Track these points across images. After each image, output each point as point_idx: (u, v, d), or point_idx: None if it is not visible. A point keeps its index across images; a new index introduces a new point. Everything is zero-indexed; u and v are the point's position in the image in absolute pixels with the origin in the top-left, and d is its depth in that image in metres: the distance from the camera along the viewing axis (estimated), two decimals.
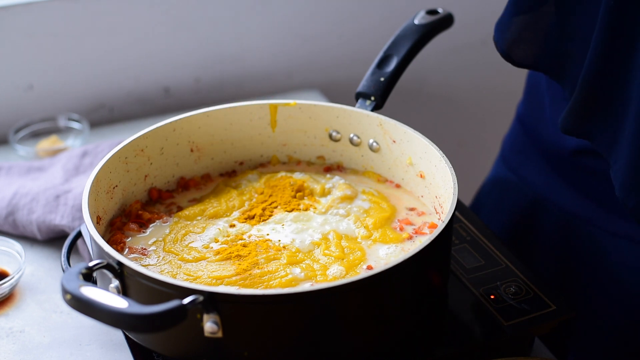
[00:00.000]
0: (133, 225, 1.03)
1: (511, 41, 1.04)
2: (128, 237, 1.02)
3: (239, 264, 0.95)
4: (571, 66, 1.01)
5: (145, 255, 0.99)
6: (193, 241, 1.00)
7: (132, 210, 1.06)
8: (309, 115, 1.13)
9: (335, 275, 0.94)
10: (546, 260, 1.24)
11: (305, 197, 1.08)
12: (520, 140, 1.29)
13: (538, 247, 1.26)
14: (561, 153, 1.18)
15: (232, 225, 1.03)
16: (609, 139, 0.97)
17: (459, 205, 1.14)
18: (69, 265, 1.01)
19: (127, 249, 1.00)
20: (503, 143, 1.36)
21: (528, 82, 1.27)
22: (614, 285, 1.15)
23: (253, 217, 1.04)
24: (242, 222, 1.04)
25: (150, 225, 1.04)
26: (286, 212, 1.04)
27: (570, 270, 1.21)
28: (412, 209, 1.07)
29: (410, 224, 1.04)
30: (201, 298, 0.81)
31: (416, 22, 1.18)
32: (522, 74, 1.93)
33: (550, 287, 1.01)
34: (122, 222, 1.04)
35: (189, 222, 1.04)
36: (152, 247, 1.00)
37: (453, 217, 0.92)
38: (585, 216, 1.17)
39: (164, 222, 1.05)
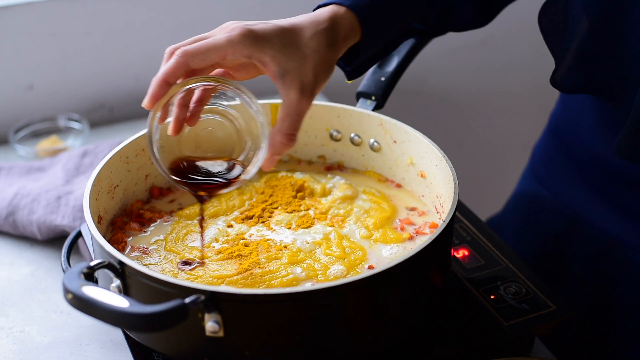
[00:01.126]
0: (134, 225, 1.03)
1: (555, 67, 0.98)
2: (129, 237, 1.02)
3: (240, 264, 0.95)
4: (624, 88, 0.95)
5: (146, 254, 0.99)
6: (194, 240, 1.00)
7: (133, 209, 1.06)
8: (310, 115, 1.13)
9: (336, 275, 0.94)
10: (580, 287, 1.16)
11: (305, 197, 1.08)
12: (553, 152, 1.20)
13: (571, 271, 1.17)
14: (603, 169, 1.10)
15: (230, 226, 1.03)
16: None
17: (460, 205, 1.14)
18: (69, 265, 1.01)
19: (128, 249, 1.00)
20: (532, 155, 1.26)
21: None
22: None
23: (252, 217, 1.04)
24: (240, 223, 1.04)
25: (152, 225, 1.04)
26: (286, 213, 1.04)
27: (606, 297, 1.13)
28: (412, 209, 1.07)
29: (411, 223, 1.04)
30: (202, 297, 0.81)
31: None
32: (521, 73, 1.94)
33: (550, 287, 1.01)
34: (123, 221, 1.04)
35: (190, 222, 1.04)
36: (154, 247, 1.00)
37: (454, 217, 0.92)
38: (628, 240, 1.09)
39: (165, 222, 1.05)
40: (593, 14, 0.95)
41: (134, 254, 0.99)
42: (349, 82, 1.02)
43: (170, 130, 0.92)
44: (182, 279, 0.93)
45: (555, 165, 1.20)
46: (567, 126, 1.17)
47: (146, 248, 1.00)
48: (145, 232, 1.03)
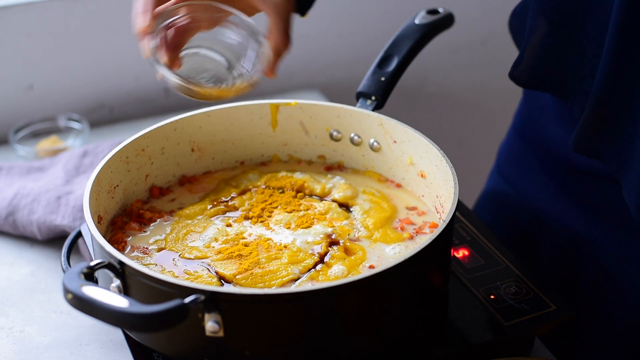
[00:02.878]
0: (134, 225, 1.03)
1: (514, 62, 1.02)
2: (129, 237, 1.02)
3: (240, 264, 0.95)
4: (580, 84, 0.97)
5: (146, 254, 0.99)
6: (194, 240, 1.00)
7: (133, 209, 1.06)
8: (310, 115, 1.13)
9: (337, 274, 0.94)
10: (548, 280, 1.17)
11: (305, 197, 1.08)
12: (517, 150, 1.22)
13: (539, 265, 1.19)
14: (565, 166, 1.12)
15: (229, 225, 1.03)
16: (621, 159, 0.93)
17: (460, 205, 1.14)
18: (69, 265, 1.01)
19: (128, 248, 1.00)
20: (499, 153, 1.29)
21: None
22: (620, 308, 1.09)
23: (251, 217, 1.04)
24: (239, 223, 1.04)
25: (152, 224, 1.04)
26: (286, 213, 1.04)
27: (572, 292, 1.15)
28: (412, 209, 1.07)
29: (411, 223, 1.04)
30: (202, 297, 0.81)
31: (417, 21, 1.18)
32: None
33: (550, 287, 1.01)
34: (123, 221, 1.04)
35: (189, 221, 1.04)
36: (153, 246, 1.00)
37: (454, 217, 0.92)
38: (592, 236, 1.10)
39: (165, 221, 1.05)
40: (554, 7, 0.97)
41: (134, 253, 0.99)
42: (303, 17, 1.07)
43: (165, 61, 0.93)
44: (182, 279, 0.93)
45: (519, 163, 1.22)
46: (530, 124, 1.19)
47: (146, 248, 1.00)
48: (145, 232, 1.03)
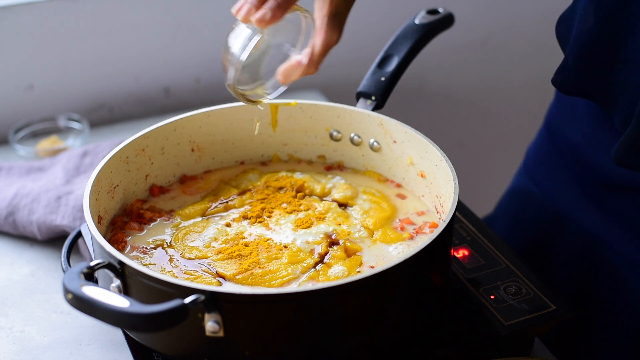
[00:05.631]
0: (134, 225, 1.03)
1: (558, 68, 1.01)
2: (129, 237, 1.02)
3: (241, 264, 0.95)
4: (624, 95, 0.96)
5: (146, 254, 0.99)
6: (194, 240, 1.00)
7: (133, 209, 1.06)
8: (310, 115, 1.13)
9: (337, 275, 0.94)
10: (564, 280, 1.18)
11: (305, 197, 1.08)
12: (546, 150, 1.22)
13: (557, 265, 1.19)
14: (591, 170, 1.11)
15: (228, 225, 1.03)
16: None
17: (460, 205, 1.14)
18: (69, 265, 1.01)
19: (128, 248, 1.00)
20: (527, 152, 1.29)
21: None
22: (630, 311, 1.09)
23: (251, 217, 1.04)
24: (239, 222, 1.04)
25: (151, 224, 1.04)
26: (286, 213, 1.04)
27: (587, 292, 1.15)
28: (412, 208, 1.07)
29: (411, 223, 1.04)
30: (202, 297, 0.81)
31: (417, 21, 1.18)
32: (521, 73, 1.94)
33: (550, 287, 1.01)
34: (123, 221, 1.04)
35: (189, 221, 1.04)
36: (153, 246, 1.00)
37: (454, 217, 0.92)
38: (607, 240, 1.11)
39: (165, 221, 1.05)
40: (601, 15, 0.95)
41: (134, 253, 0.99)
42: None
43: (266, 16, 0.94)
44: (182, 279, 0.93)
45: (546, 162, 1.21)
46: (561, 125, 1.18)
47: (146, 248, 1.00)
48: (144, 231, 1.03)
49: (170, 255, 0.98)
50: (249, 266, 0.95)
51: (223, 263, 0.96)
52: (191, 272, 0.95)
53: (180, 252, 0.99)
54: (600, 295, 1.14)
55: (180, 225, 1.03)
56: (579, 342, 1.18)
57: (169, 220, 1.05)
